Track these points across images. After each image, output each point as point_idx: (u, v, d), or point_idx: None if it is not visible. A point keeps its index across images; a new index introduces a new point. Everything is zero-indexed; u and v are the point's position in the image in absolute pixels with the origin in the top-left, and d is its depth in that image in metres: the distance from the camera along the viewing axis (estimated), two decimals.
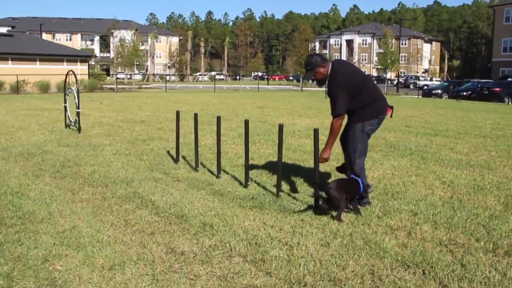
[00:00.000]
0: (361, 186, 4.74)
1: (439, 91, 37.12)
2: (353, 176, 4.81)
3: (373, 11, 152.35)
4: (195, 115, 6.77)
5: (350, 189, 4.67)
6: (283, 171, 5.69)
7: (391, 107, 5.24)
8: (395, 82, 55.29)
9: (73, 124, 11.18)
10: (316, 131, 4.88)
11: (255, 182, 5.99)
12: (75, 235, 4.10)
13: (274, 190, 5.53)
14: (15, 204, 5.02)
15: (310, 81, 6.12)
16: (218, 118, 6.30)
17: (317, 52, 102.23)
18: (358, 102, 4.95)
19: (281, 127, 5.28)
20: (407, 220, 4.53)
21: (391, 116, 5.48)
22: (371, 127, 5.03)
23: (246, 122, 5.72)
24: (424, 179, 6.26)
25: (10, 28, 48.88)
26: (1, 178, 6.23)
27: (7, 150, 8.26)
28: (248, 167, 5.82)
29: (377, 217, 4.63)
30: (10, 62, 35.05)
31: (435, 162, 7.45)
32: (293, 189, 5.70)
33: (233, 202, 5.11)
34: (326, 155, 5.02)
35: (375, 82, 5.63)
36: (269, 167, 6.92)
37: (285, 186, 5.69)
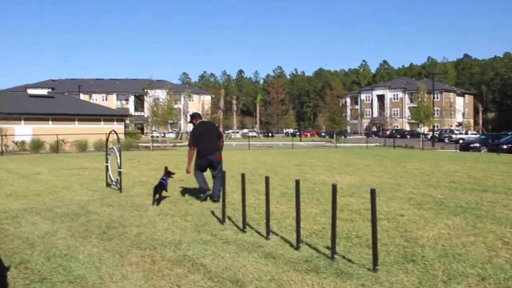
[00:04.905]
0: (165, 183, 9.06)
1: (477, 145, 36.38)
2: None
3: (403, 66, 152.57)
4: (242, 176, 6.66)
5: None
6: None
7: (220, 153, 9.14)
8: (429, 136, 54.64)
9: (114, 183, 11.23)
10: (373, 192, 4.71)
11: (306, 243, 5.80)
12: None
13: (327, 251, 5.33)
14: (65, 267, 4.94)
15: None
16: (267, 178, 6.18)
17: (348, 107, 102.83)
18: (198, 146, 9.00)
19: (334, 187, 5.11)
20: (476, 285, 4.26)
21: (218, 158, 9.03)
22: (197, 162, 9.10)
23: (297, 182, 5.58)
24: (484, 239, 5.95)
25: (50, 90, 50.75)
26: (49, 239, 6.20)
27: (52, 210, 8.30)
28: (299, 228, 5.63)
29: (443, 282, 4.37)
30: (50, 122, 36.17)
31: (492, 220, 7.11)
32: (347, 250, 5.48)
33: (287, 265, 4.92)
34: (189, 169, 9.21)
35: (216, 138, 9.33)
36: (318, 227, 6.73)
37: (337, 248, 5.46)
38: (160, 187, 8.93)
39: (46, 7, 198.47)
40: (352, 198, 9.37)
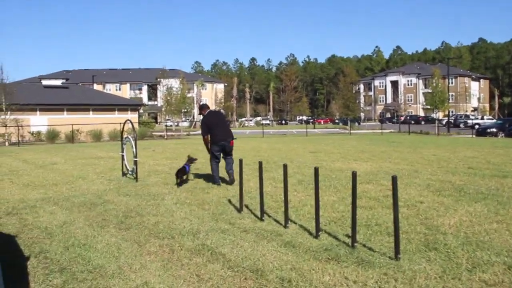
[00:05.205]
0: (187, 169, 9.97)
1: (494, 130, 35.88)
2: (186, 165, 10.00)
3: (416, 51, 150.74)
4: (260, 164, 6.60)
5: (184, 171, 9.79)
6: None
7: (234, 139, 9.92)
8: (444, 122, 54.09)
9: (130, 173, 11.23)
10: (394, 179, 4.61)
11: (325, 231, 5.73)
12: None
13: (347, 240, 5.26)
14: (84, 257, 4.93)
15: None
16: (285, 166, 6.11)
17: (362, 94, 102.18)
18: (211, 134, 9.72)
19: (354, 175, 5.03)
20: (502, 274, 4.16)
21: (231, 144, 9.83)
22: (212, 148, 9.77)
23: (316, 170, 5.50)
24: (508, 226, 5.82)
25: (64, 81, 51.20)
26: (67, 229, 6.20)
27: (69, 200, 8.32)
28: (319, 216, 5.56)
29: (467, 270, 4.28)
30: (65, 112, 36.42)
31: None
32: (367, 238, 5.40)
33: (307, 254, 4.86)
34: (211, 150, 9.81)
35: (226, 125, 10.37)
36: (336, 215, 6.65)
37: (357, 236, 5.37)
38: (182, 171, 9.77)
39: None
40: (369, 185, 9.27)
